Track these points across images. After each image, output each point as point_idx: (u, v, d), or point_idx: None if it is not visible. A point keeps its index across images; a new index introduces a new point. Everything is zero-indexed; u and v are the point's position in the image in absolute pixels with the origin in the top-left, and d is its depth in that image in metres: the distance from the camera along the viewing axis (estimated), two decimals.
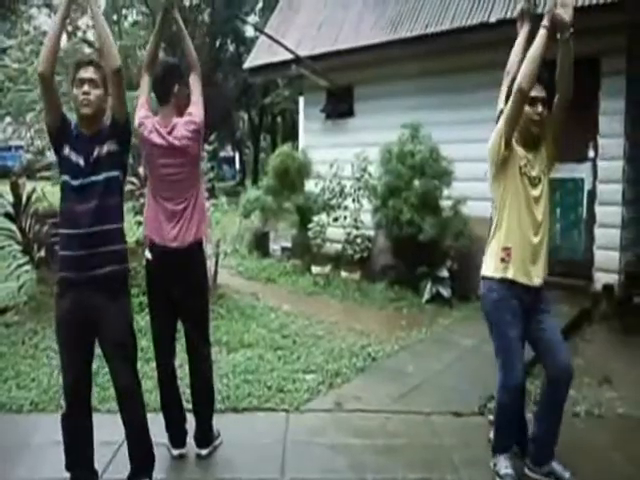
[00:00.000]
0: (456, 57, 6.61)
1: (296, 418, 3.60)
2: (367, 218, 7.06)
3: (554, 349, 2.81)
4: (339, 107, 8.26)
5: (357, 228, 7.13)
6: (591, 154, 6.02)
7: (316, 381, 4.10)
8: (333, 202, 7.45)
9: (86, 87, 2.62)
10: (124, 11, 27.07)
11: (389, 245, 6.74)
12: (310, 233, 7.28)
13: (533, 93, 2.74)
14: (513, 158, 2.79)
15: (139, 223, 6.86)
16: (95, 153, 2.64)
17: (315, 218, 7.38)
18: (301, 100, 9.68)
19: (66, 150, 2.65)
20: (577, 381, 4.04)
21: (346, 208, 7.38)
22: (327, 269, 7.19)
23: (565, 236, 6.35)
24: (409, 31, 6.95)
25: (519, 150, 2.82)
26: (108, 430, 3.36)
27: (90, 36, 27.44)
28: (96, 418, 3.47)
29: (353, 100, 8.16)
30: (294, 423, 3.53)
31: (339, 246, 7.35)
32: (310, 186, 7.94)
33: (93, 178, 2.61)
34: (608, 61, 5.77)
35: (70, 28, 26.71)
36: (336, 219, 7.42)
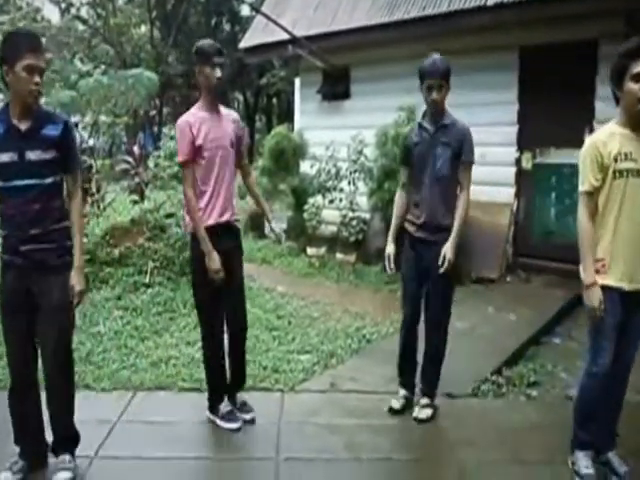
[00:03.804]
0: (453, 40, 6.54)
1: (291, 398, 3.62)
2: (363, 200, 7.06)
3: (623, 347, 2.71)
4: (335, 89, 8.20)
5: (353, 210, 7.13)
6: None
7: (311, 362, 4.13)
8: (329, 184, 7.42)
9: (37, 78, 2.48)
10: None
11: (385, 228, 6.73)
12: (305, 215, 7.28)
13: (638, 69, 2.52)
14: (606, 169, 2.63)
15: (134, 202, 6.84)
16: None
17: (311, 200, 7.37)
18: (297, 81, 9.62)
19: None
20: (571, 365, 4.11)
21: (342, 190, 7.36)
22: (322, 251, 7.20)
23: (560, 221, 6.38)
24: (406, 13, 6.89)
25: (613, 145, 2.62)
26: (103, 408, 3.42)
27: (84, 12, 27.07)
28: (91, 396, 3.55)
29: (349, 82, 8.10)
30: (289, 403, 3.56)
31: (334, 228, 7.35)
32: (306, 168, 7.91)
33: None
34: (605, 46, 5.73)
35: (63, 4, 26.31)
36: (332, 201, 7.40)
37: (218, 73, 3.12)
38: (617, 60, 2.64)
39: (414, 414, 3.32)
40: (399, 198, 3.50)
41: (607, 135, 2.67)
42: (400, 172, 3.56)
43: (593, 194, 2.66)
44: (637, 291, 2.64)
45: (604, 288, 2.64)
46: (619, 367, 2.73)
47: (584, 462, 2.77)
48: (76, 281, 2.65)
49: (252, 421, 3.27)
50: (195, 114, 3.20)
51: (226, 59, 3.29)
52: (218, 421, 3.26)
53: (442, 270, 3.24)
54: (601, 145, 2.64)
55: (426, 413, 3.32)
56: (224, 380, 3.34)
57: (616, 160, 2.60)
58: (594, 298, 2.62)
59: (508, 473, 2.87)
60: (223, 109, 3.31)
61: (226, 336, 3.34)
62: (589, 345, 2.76)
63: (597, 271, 2.67)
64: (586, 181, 2.66)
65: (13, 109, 2.55)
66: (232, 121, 3.29)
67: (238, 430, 3.20)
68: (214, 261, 3.11)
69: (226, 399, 3.33)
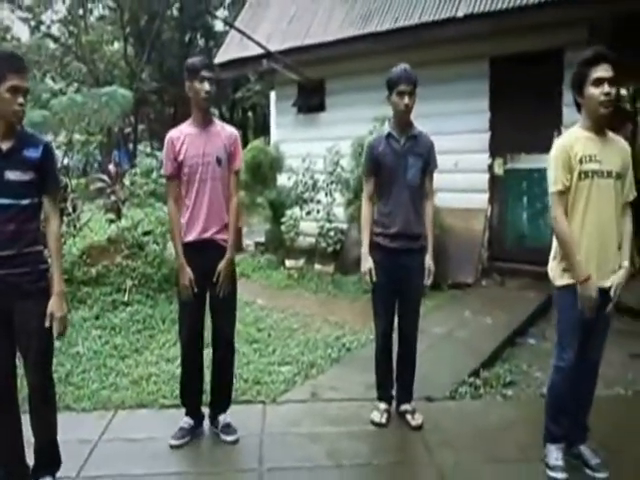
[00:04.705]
0: (425, 51, 6.70)
1: (273, 409, 3.65)
2: (340, 211, 7.14)
3: (591, 344, 2.80)
4: (311, 101, 8.30)
5: (330, 221, 7.19)
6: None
7: (292, 372, 4.16)
8: (306, 196, 7.49)
9: (21, 99, 2.49)
10: (90, 5, 26.53)
11: None
12: (283, 227, 7.32)
13: (599, 73, 2.66)
14: (573, 170, 2.72)
15: (111, 221, 6.81)
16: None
17: (288, 212, 7.42)
18: (272, 94, 9.70)
19: None
20: (545, 364, 4.18)
21: (319, 202, 7.44)
22: (301, 263, 7.24)
23: (531, 225, 6.53)
24: (379, 25, 7.03)
25: (578, 147, 2.72)
26: (84, 429, 3.41)
27: (55, 30, 26.95)
28: (72, 417, 3.54)
29: (324, 94, 8.22)
30: (271, 414, 3.58)
31: (312, 240, 7.40)
32: (283, 180, 7.97)
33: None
34: (571, 53, 5.91)
35: (33, 22, 26.16)
36: (309, 213, 7.47)
37: (206, 87, 3.12)
38: (577, 68, 2.77)
39: (412, 423, 3.33)
40: (368, 210, 3.42)
41: (573, 138, 2.78)
42: (365, 183, 3.47)
43: (564, 193, 2.76)
44: (602, 288, 2.73)
45: (571, 286, 2.73)
46: (587, 362, 2.83)
47: (554, 454, 2.86)
48: (56, 308, 2.60)
49: (234, 442, 3.23)
50: (182, 129, 3.24)
51: (216, 74, 3.31)
52: None
53: (429, 282, 3.37)
54: (569, 147, 2.75)
55: (421, 418, 3.36)
56: (191, 397, 3.35)
57: (581, 162, 2.72)
58: (592, 290, 2.67)
59: (485, 472, 2.93)
60: (219, 124, 3.31)
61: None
62: (556, 341, 2.87)
63: (565, 269, 2.76)
64: (558, 181, 2.75)
65: None
66: (225, 137, 3.23)
67: (174, 447, 3.17)
68: (184, 277, 3.16)
69: (187, 417, 3.34)
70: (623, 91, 6.24)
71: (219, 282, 3.18)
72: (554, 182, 2.77)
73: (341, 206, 7.09)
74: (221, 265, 3.18)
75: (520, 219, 6.63)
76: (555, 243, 2.85)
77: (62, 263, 2.76)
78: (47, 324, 2.59)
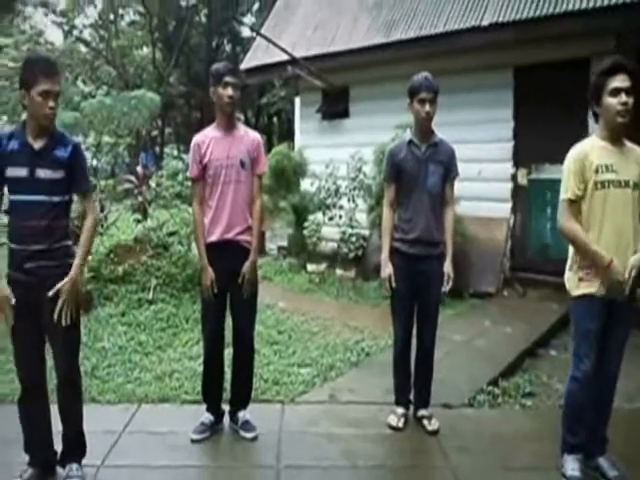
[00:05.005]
0: (450, 59, 6.73)
1: (291, 409, 3.71)
2: (362, 217, 7.18)
3: (608, 356, 2.83)
4: (335, 108, 8.37)
5: (352, 227, 7.24)
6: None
7: (311, 374, 4.22)
8: (328, 201, 7.55)
9: (52, 102, 2.62)
10: (120, 11, 27.08)
11: None
12: (306, 232, 7.39)
13: (615, 84, 2.70)
14: (587, 180, 2.74)
15: (138, 221, 6.97)
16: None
17: (311, 217, 7.49)
18: (297, 100, 9.79)
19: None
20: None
21: (341, 207, 7.49)
22: (322, 267, 7.30)
23: (554, 236, 6.48)
24: (404, 33, 7.08)
25: (593, 157, 2.74)
26: (109, 420, 3.51)
27: (86, 35, 27.56)
28: (97, 409, 3.64)
29: (349, 101, 8.28)
30: (289, 414, 3.64)
31: (334, 245, 7.45)
32: (306, 185, 8.05)
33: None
34: (597, 64, 5.86)
35: (67, 27, 26.79)
36: (331, 218, 7.52)
37: (230, 92, 3.20)
38: (595, 78, 2.81)
39: (429, 428, 3.36)
40: (389, 216, 3.46)
41: (588, 148, 2.80)
42: (387, 190, 3.52)
43: (575, 202, 2.78)
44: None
45: (587, 296, 2.75)
46: (605, 374, 2.84)
47: (571, 465, 2.86)
48: (64, 290, 2.67)
49: (253, 439, 3.29)
50: (207, 133, 3.33)
51: (241, 80, 3.38)
52: None
53: (448, 288, 3.38)
54: (584, 157, 2.76)
55: (437, 423, 3.39)
56: (212, 393, 3.43)
57: (597, 172, 2.73)
58: (618, 272, 2.68)
59: (501, 479, 2.94)
60: (242, 129, 3.40)
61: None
62: (573, 351, 2.88)
63: (581, 279, 2.77)
64: (569, 189, 2.77)
65: (29, 128, 2.70)
66: (249, 142, 3.31)
67: (194, 441, 3.25)
68: (205, 277, 3.24)
69: (208, 413, 3.41)
70: None
71: (242, 284, 3.26)
72: (565, 190, 2.80)
73: (363, 212, 7.14)
74: (245, 268, 3.25)
75: (543, 229, 6.60)
76: (571, 253, 2.86)
77: (87, 255, 2.86)
78: (50, 294, 2.66)
